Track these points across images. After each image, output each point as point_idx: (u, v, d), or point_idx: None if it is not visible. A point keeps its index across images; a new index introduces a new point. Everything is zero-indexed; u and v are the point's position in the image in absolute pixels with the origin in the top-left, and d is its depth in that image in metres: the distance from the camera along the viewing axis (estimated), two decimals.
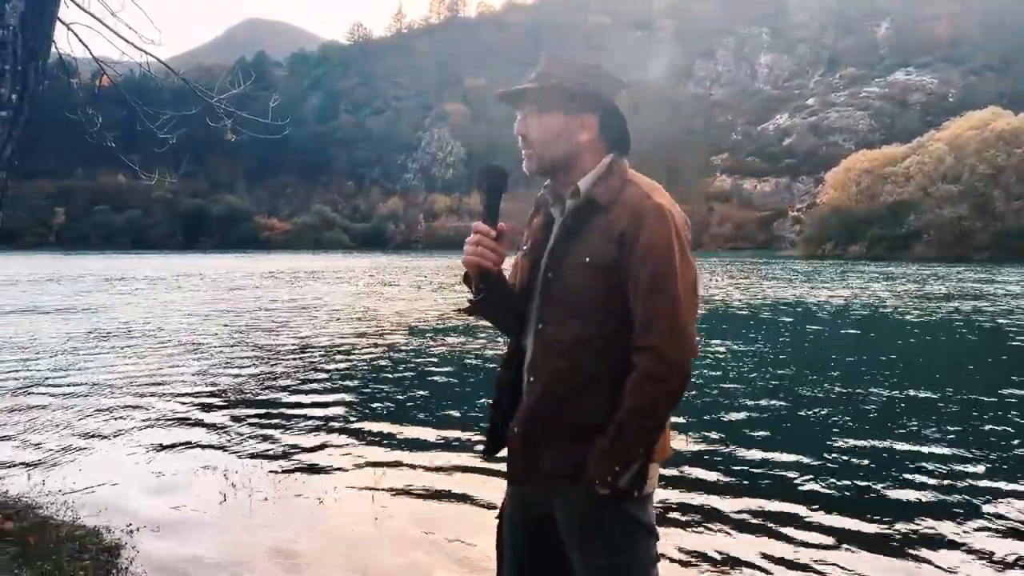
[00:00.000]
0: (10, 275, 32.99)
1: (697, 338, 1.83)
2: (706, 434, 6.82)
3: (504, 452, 1.99)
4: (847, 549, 4.30)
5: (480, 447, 6.27)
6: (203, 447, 6.46)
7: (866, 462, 6.03)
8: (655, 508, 1.92)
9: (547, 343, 1.86)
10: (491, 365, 10.59)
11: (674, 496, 5.17)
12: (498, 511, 2.10)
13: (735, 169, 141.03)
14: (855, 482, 5.53)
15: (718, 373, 10.00)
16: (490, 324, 2.13)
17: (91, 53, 5.29)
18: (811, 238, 76.92)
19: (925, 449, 6.38)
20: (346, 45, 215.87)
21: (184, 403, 8.23)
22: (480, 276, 1.88)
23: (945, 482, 5.53)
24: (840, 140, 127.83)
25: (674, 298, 1.75)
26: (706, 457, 6.14)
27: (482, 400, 7.98)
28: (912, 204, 66.32)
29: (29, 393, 8.67)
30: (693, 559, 4.18)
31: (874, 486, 5.44)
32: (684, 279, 1.77)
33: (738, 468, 5.89)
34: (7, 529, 3.71)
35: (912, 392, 8.81)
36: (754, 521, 4.75)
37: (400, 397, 8.70)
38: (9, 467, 5.66)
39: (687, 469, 5.77)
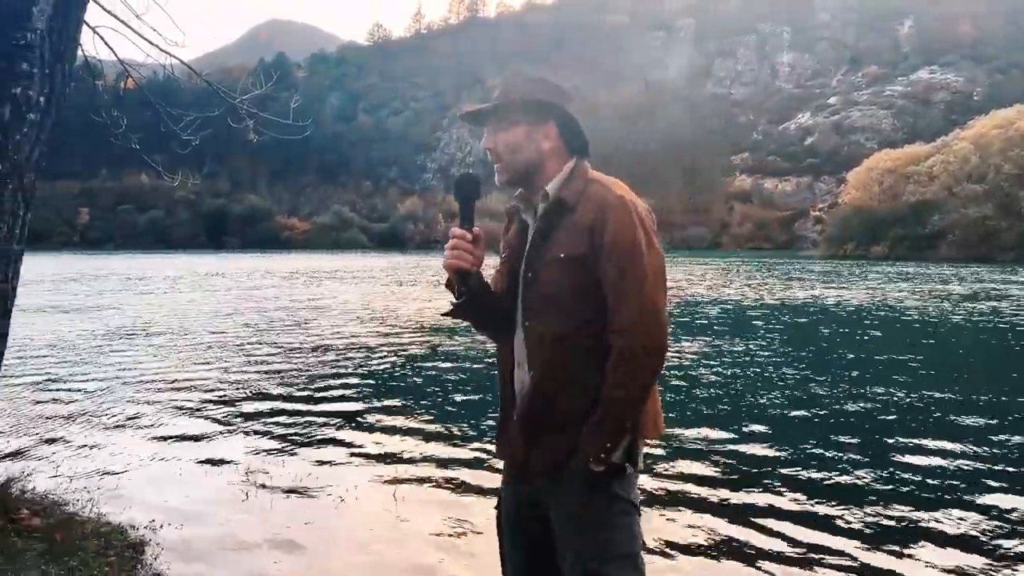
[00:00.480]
0: (37, 275, 33.40)
1: (669, 322, 1.99)
2: (723, 432, 6.80)
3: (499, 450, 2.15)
4: (865, 547, 4.27)
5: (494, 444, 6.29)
6: (224, 444, 6.52)
7: (876, 459, 5.98)
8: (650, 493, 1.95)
9: (534, 339, 1.99)
10: None
11: (670, 485, 5.16)
12: (497, 504, 2.22)
13: (756, 169, 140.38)
14: (861, 478, 5.49)
15: (737, 371, 9.96)
16: (472, 326, 2.21)
17: (116, 55, 5.36)
18: (833, 238, 76.34)
19: (942, 446, 6.32)
20: (365, 46, 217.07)
21: (206, 400, 8.30)
22: (460, 278, 1.99)
23: (955, 482, 5.48)
24: (863, 139, 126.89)
25: (643, 281, 1.88)
26: (717, 452, 6.12)
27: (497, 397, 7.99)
28: (936, 204, 65.61)
29: (54, 390, 8.78)
30: (695, 548, 4.17)
31: (878, 484, 5.40)
32: (651, 263, 1.91)
33: (745, 462, 5.86)
34: (35, 525, 3.77)
35: (934, 392, 8.72)
36: (748, 513, 4.73)
37: (418, 394, 8.73)
38: (36, 463, 5.73)
39: (682, 461, 5.75)
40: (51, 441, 6.55)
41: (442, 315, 2.16)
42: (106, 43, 5.03)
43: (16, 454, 6.06)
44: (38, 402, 8.14)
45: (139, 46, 5.16)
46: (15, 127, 3.90)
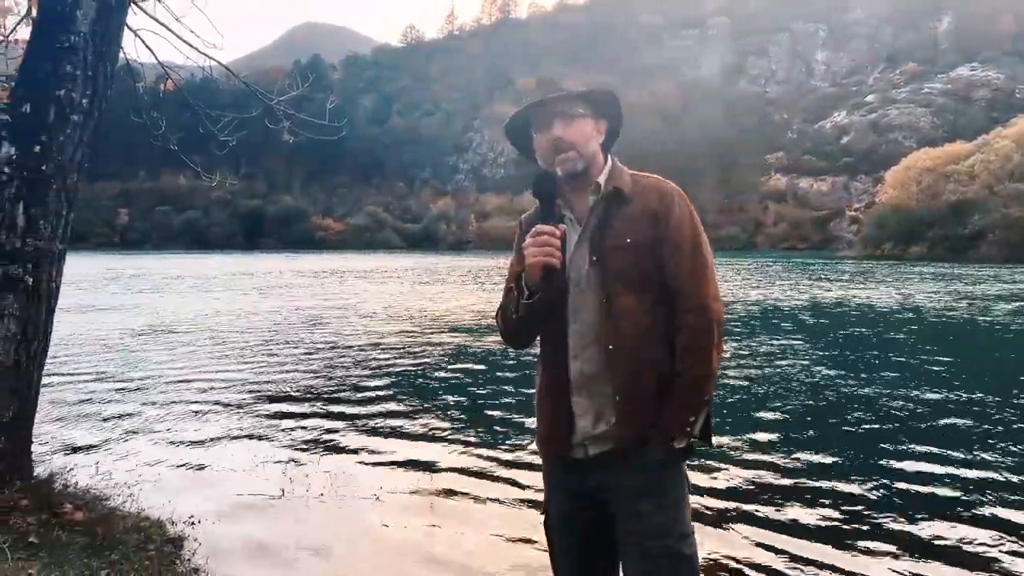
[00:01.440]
0: (77, 275, 34.07)
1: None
2: (762, 435, 6.73)
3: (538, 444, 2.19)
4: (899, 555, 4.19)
5: (533, 445, 6.28)
6: (260, 443, 6.59)
7: (906, 463, 5.87)
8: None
9: (611, 319, 2.01)
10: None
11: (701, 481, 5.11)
12: (543, 506, 2.25)
13: (790, 168, 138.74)
14: (890, 483, 5.39)
15: (771, 371, 9.84)
16: (522, 326, 2.15)
17: (156, 58, 5.44)
18: (869, 238, 75.05)
19: (974, 455, 6.18)
20: (398, 47, 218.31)
21: (242, 399, 8.40)
22: (545, 275, 1.96)
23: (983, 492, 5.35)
24: (900, 138, 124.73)
25: (708, 264, 2.05)
26: (749, 455, 6.05)
27: (528, 395, 7.98)
28: (976, 203, 64.15)
29: (95, 387, 8.94)
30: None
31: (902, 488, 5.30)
32: (707, 246, 2.07)
33: (777, 464, 5.79)
34: (77, 519, 3.83)
35: (972, 396, 8.54)
36: (777, 517, 4.66)
37: (452, 395, 8.75)
38: (78, 458, 5.84)
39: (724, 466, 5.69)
40: (92, 437, 6.67)
41: (512, 315, 2.12)
42: (147, 45, 5.12)
43: (59, 449, 6.19)
44: (79, 399, 8.31)
45: (178, 48, 5.25)
46: (59, 128, 3.98)
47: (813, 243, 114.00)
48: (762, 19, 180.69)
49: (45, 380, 4.49)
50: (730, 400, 8.40)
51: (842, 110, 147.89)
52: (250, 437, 6.78)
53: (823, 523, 4.71)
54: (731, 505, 5.01)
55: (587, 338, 2.04)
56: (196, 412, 7.76)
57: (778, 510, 4.93)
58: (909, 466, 5.92)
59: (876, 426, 7.27)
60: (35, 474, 4.21)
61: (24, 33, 4.51)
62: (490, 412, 7.94)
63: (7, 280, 3.89)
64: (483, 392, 9.02)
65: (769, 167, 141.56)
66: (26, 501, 3.77)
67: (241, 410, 7.89)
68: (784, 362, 10.98)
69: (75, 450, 6.23)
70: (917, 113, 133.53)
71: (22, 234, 3.91)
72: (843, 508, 4.97)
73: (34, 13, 4.30)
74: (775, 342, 13.13)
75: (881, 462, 6.03)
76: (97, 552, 3.56)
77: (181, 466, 5.86)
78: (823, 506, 5.01)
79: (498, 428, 7.18)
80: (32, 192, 3.94)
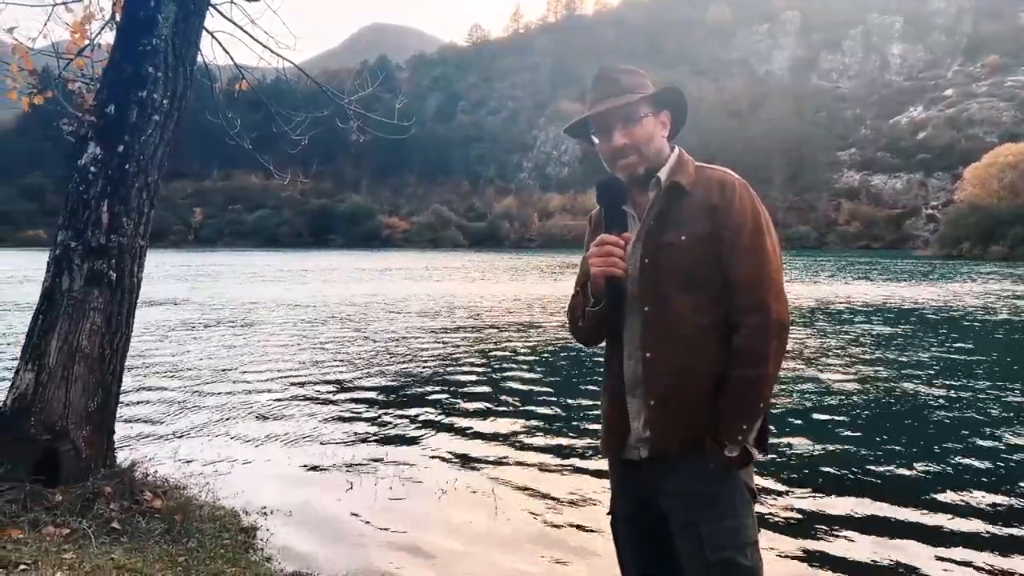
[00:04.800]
0: (152, 272, 35.30)
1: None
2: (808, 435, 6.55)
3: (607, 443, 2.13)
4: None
5: (598, 443, 6.25)
6: (329, 434, 6.71)
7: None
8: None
9: (654, 324, 1.95)
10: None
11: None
12: (609, 509, 2.22)
13: (864, 165, 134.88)
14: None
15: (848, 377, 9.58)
16: (589, 335, 2.16)
17: (232, 59, 5.59)
18: (947, 237, 72.43)
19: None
20: (464, 46, 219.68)
21: (314, 391, 8.57)
22: (611, 286, 1.94)
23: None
24: (981, 133, 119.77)
25: (772, 259, 1.93)
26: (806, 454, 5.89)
27: (598, 395, 7.94)
28: None
29: (173, 379, 9.23)
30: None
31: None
32: (773, 243, 1.96)
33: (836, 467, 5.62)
34: (157, 507, 3.97)
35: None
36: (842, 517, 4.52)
37: (523, 392, 8.75)
38: (157, 448, 6.05)
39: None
40: (169, 426, 6.91)
41: (578, 320, 2.12)
42: (223, 48, 5.26)
43: (138, 438, 6.42)
44: (158, 390, 8.60)
45: (252, 49, 5.38)
46: (141, 128, 4.12)
47: (887, 242, 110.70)
48: (835, 12, 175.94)
49: (126, 373, 4.65)
50: (796, 405, 8.21)
51: (918, 105, 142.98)
52: (320, 430, 6.91)
53: (892, 546, 4.57)
54: (792, 515, 4.90)
55: (636, 341, 1.99)
56: (269, 403, 7.96)
57: (836, 530, 4.80)
58: (988, 483, 5.70)
59: (958, 440, 7.01)
60: (117, 463, 4.37)
61: (108, 37, 4.67)
62: (554, 405, 7.92)
63: (93, 275, 4.04)
64: (556, 388, 8.99)
65: (841, 164, 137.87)
66: (109, 488, 3.92)
67: (313, 403, 8.05)
68: (874, 369, 10.68)
69: (153, 439, 6.45)
70: (999, 107, 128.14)
71: (107, 231, 4.06)
72: (914, 528, 4.81)
73: (118, 18, 4.46)
74: (863, 345, 12.78)
75: (959, 476, 5.82)
76: (175, 539, 3.69)
77: (254, 457, 6.02)
78: (890, 528, 4.86)
79: (573, 424, 7.16)
80: (116, 190, 4.09)
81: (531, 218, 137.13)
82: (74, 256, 4.03)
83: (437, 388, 9.00)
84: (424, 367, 10.43)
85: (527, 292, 25.42)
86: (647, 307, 1.96)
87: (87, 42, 4.84)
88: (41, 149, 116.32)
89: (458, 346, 12.45)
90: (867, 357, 11.35)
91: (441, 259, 63.44)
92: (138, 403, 7.86)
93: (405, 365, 10.57)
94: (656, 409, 1.95)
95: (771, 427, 2.00)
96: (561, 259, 60.01)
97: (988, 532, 4.52)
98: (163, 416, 7.37)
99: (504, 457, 6.10)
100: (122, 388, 4.54)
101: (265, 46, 5.32)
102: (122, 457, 4.63)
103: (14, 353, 4.50)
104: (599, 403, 2.23)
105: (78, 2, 4.83)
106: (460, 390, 8.93)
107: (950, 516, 4.78)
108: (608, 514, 2.22)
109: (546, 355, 11.63)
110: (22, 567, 2.95)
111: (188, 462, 5.72)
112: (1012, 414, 7.65)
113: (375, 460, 5.97)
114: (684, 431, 1.93)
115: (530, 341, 13.11)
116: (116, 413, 4.39)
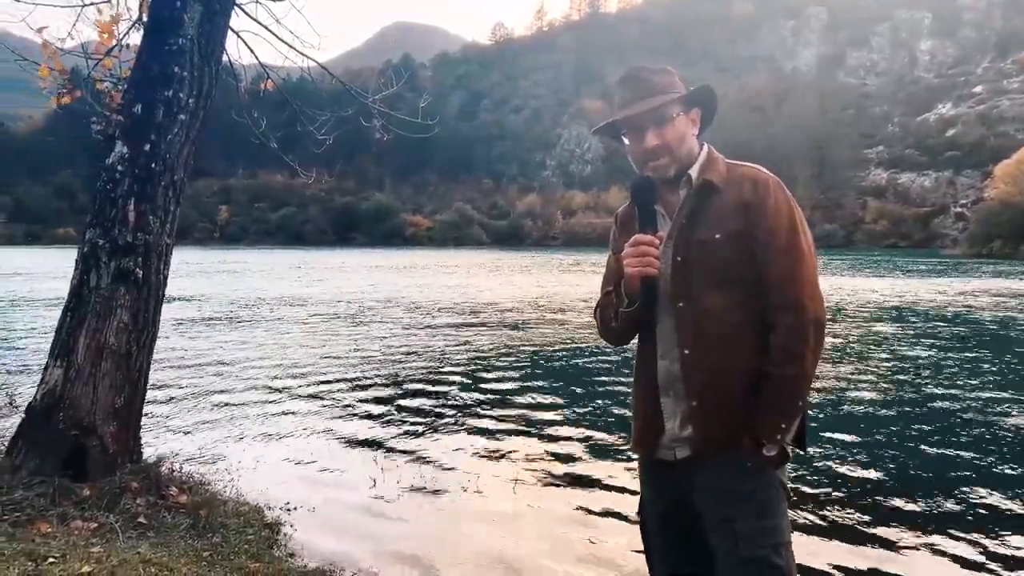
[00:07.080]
0: (177, 268, 35.68)
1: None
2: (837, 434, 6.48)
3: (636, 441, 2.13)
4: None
5: (624, 443, 6.22)
6: (353, 432, 6.74)
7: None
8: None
9: (689, 322, 1.95)
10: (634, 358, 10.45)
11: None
12: (638, 507, 2.21)
13: (891, 162, 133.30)
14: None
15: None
16: (620, 334, 2.15)
17: (257, 58, 5.63)
18: (977, 236, 71.30)
19: None
20: (487, 45, 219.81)
21: (337, 388, 8.62)
22: (646, 287, 1.93)
23: None
24: (1012, 130, 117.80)
25: (807, 257, 1.92)
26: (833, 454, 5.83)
27: (626, 393, 7.92)
28: None
29: (199, 375, 9.33)
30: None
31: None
32: (808, 240, 1.94)
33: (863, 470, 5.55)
34: (182, 502, 4.01)
35: None
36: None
37: (548, 389, 8.74)
38: (183, 443, 6.12)
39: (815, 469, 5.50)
40: (194, 423, 6.98)
41: (610, 319, 2.11)
42: (248, 47, 5.29)
43: (164, 434, 6.49)
44: (183, 386, 8.69)
45: (278, 49, 5.41)
46: (167, 127, 4.16)
47: (915, 241, 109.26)
48: (862, 8, 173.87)
49: (152, 368, 4.70)
50: (835, 402, 8.13)
51: (947, 102, 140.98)
52: (343, 426, 6.96)
53: (920, 541, 4.50)
54: (822, 517, 4.85)
55: (672, 339, 1.98)
56: (292, 399, 8.02)
57: (868, 526, 4.74)
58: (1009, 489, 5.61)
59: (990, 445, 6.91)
60: (143, 458, 4.41)
61: (136, 38, 4.72)
62: (586, 406, 7.90)
63: (120, 273, 4.09)
64: (578, 386, 8.98)
65: (868, 162, 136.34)
66: (136, 484, 3.96)
67: (335, 399, 8.09)
68: (906, 368, 10.56)
69: (178, 434, 6.52)
70: None
71: (133, 229, 4.11)
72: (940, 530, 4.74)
73: (144, 18, 4.51)
74: (900, 345, 12.64)
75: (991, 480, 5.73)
76: (200, 534, 3.72)
77: (278, 453, 6.06)
78: (919, 525, 4.79)
79: (594, 422, 7.13)
80: (143, 189, 4.13)
81: (554, 216, 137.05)
82: (102, 254, 4.07)
83: (462, 384, 9.02)
84: (450, 364, 10.45)
85: (551, 290, 25.39)
86: (680, 304, 1.96)
87: (115, 42, 4.89)
88: (71, 148, 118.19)
89: (483, 343, 12.46)
90: (903, 355, 11.21)
91: (465, 257, 63.53)
92: (163, 399, 7.95)
93: (430, 362, 10.60)
94: (697, 408, 1.94)
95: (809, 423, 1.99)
96: (585, 257, 59.85)
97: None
98: (187, 412, 7.45)
99: (528, 452, 6.11)
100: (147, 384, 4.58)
101: (290, 45, 5.36)
102: (148, 452, 4.68)
103: (45, 349, 4.57)
104: (627, 401, 2.22)
105: (106, 3, 4.89)
106: (483, 386, 8.94)
107: (980, 520, 4.71)
108: (637, 513, 2.21)
109: (571, 351, 11.60)
110: (51, 560, 2.99)
111: (212, 457, 5.78)
112: None
113: (398, 456, 5.99)
114: (721, 430, 1.92)
115: (555, 338, 13.09)
116: (142, 409, 4.44)
